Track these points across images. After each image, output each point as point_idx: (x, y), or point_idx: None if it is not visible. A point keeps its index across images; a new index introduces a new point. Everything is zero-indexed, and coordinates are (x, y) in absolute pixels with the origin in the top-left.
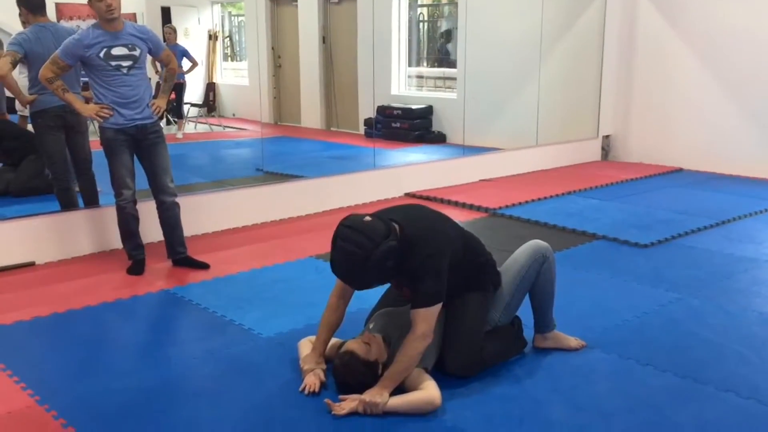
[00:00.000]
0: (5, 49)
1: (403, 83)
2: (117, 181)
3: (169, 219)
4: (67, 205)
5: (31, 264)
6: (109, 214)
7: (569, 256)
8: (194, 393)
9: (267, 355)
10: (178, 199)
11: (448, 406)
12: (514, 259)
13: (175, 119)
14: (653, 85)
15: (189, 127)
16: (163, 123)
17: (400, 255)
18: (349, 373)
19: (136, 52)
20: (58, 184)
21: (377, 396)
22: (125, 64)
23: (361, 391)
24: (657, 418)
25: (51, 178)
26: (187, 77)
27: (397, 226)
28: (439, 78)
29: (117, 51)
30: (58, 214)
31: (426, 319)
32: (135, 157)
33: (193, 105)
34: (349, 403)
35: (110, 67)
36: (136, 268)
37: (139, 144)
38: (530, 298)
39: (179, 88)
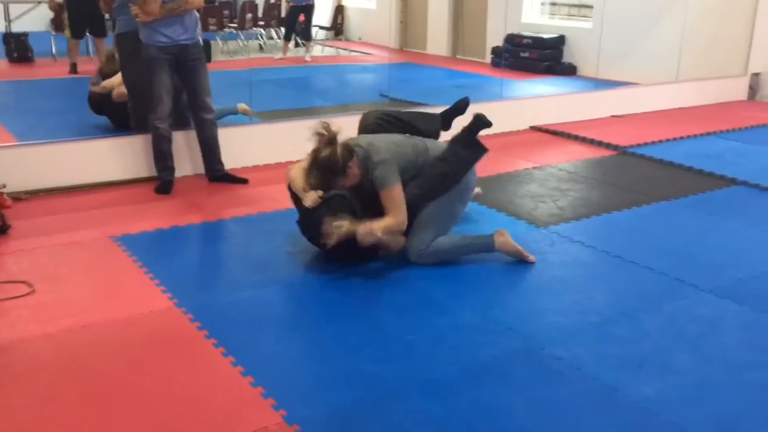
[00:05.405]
0: None
1: (536, 11)
2: (155, 97)
3: (207, 139)
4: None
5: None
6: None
7: (704, 201)
8: (313, 310)
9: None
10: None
11: (561, 341)
12: None
13: (304, 41)
14: None
15: (316, 50)
16: (291, 45)
17: None
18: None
19: None
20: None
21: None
22: None
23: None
24: None
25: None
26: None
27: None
28: (574, 5)
29: None
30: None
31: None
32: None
33: (321, 28)
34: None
35: None
36: (164, 187)
37: (181, 65)
38: None
39: (308, 10)
